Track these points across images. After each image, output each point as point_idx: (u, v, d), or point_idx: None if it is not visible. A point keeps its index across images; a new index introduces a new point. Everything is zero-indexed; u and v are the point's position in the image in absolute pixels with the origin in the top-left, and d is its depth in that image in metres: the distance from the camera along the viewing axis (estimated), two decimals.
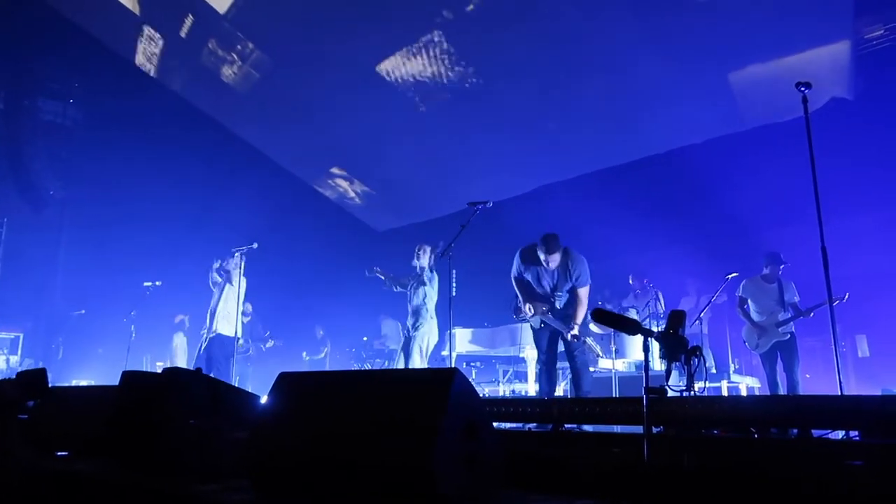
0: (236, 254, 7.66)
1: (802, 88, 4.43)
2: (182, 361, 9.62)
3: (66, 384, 8.79)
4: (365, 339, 9.58)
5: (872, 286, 7.12)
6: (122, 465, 3.01)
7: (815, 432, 3.01)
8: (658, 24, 7.97)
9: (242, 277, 7.69)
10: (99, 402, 3.38)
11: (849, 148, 6.72)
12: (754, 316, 6.69)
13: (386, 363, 9.30)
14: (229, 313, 7.56)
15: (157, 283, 9.58)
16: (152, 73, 11.05)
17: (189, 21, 9.99)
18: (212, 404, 3.03)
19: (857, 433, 2.96)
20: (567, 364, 5.66)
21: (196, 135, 11.13)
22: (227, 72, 10.64)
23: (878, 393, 6.34)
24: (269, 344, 9.42)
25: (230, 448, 2.95)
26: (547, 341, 5.53)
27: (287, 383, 2.49)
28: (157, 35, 10.50)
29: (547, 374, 5.58)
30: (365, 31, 9.09)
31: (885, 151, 7.02)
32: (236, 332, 7.58)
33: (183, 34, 10.27)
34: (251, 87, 10.77)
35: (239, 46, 10.12)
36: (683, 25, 7.90)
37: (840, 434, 3.06)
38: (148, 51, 10.80)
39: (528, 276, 5.56)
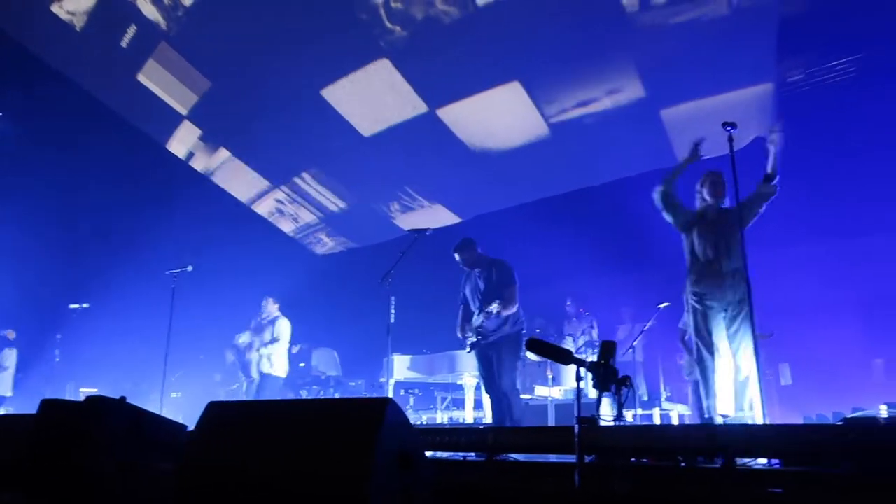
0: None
1: (728, 128, 4.60)
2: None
3: None
4: (301, 364, 9.40)
5: (796, 316, 7.46)
6: (36, 500, 2.86)
7: (739, 460, 3.11)
8: (596, 62, 8.26)
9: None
10: (14, 432, 3.21)
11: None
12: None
13: (321, 392, 9.14)
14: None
15: (85, 305, 9.22)
16: (89, 90, 10.72)
17: (129, 38, 9.77)
18: (136, 435, 2.91)
19: (777, 461, 3.07)
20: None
21: (131, 154, 10.82)
22: (167, 91, 10.43)
23: (800, 420, 6.60)
24: (295, 349, 9.23)
25: (155, 480, 2.84)
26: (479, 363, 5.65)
27: (215, 413, 2.43)
28: (96, 51, 10.22)
29: (490, 402, 5.61)
30: (310, 55, 9.07)
31: (805, 189, 7.40)
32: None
33: (123, 51, 10.01)
34: (191, 107, 10.58)
35: (179, 66, 9.94)
36: (620, 64, 8.20)
37: (763, 462, 3.17)
38: (86, 66, 10.48)
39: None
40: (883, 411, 5.11)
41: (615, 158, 9.04)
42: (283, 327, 8.29)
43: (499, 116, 9.35)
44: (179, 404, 9.90)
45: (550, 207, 9.76)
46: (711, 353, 4.54)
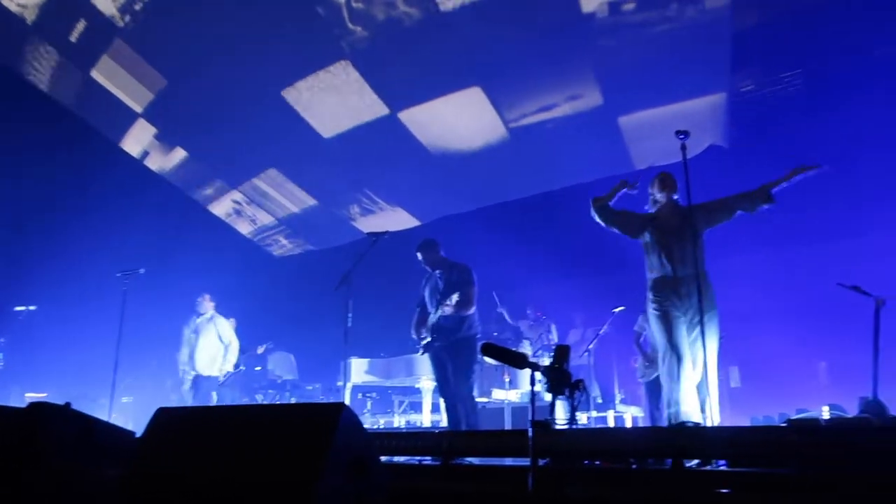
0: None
1: (681, 136, 4.64)
2: None
3: None
4: (258, 368, 9.26)
5: (745, 321, 7.66)
6: None
7: (688, 461, 3.18)
8: (556, 69, 8.37)
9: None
10: None
11: (724, 192, 7.27)
12: (650, 349, 7.11)
13: (277, 396, 9.03)
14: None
15: (31, 307, 8.94)
16: (41, 86, 10.41)
17: (79, 33, 9.52)
18: (82, 441, 2.84)
19: (724, 462, 3.16)
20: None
21: (83, 152, 10.54)
22: (122, 88, 10.20)
23: (748, 421, 6.78)
24: (261, 349, 8.99)
25: (102, 488, 2.77)
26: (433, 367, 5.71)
27: (164, 419, 2.38)
28: (48, 45, 9.92)
29: (445, 405, 5.64)
30: (270, 55, 8.98)
31: None
32: None
33: (75, 47, 9.75)
34: (146, 105, 10.36)
35: (135, 63, 9.72)
36: (579, 72, 8.33)
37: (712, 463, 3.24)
38: (36, 61, 10.17)
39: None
40: (825, 412, 5.29)
41: (574, 164, 9.15)
42: (229, 330, 8.13)
43: (460, 121, 9.39)
44: (130, 409, 9.68)
45: (510, 211, 9.84)
46: (677, 359, 4.37)
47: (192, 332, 8.02)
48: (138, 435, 2.76)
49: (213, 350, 7.97)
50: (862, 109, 7.36)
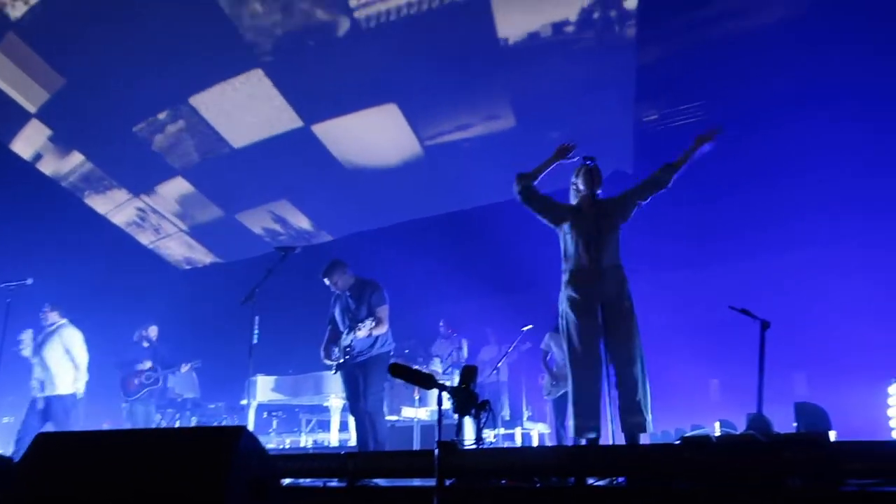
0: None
1: (588, 161, 4.78)
2: None
3: None
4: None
5: (650, 339, 7.98)
6: None
7: (591, 479, 3.26)
8: (472, 91, 8.53)
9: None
10: None
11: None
12: (556, 367, 7.26)
13: (177, 415, 8.62)
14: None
15: None
16: None
17: None
18: None
19: (624, 479, 3.26)
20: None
21: None
22: (13, 86, 9.57)
23: (647, 438, 7.03)
24: (185, 368, 8.21)
25: None
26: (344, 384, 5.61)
27: (46, 445, 2.22)
28: None
29: (355, 424, 5.56)
30: (178, 59, 8.68)
31: (654, 220, 7.99)
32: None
33: None
34: (41, 105, 9.76)
35: (29, 60, 9.14)
36: (494, 95, 8.53)
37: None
38: None
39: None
40: (717, 428, 5.57)
41: (488, 183, 9.31)
42: (78, 342, 7.12)
43: (374, 136, 9.38)
44: (12, 430, 8.98)
45: (424, 228, 9.89)
46: (588, 365, 4.23)
47: (36, 347, 6.99)
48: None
49: (62, 365, 6.95)
50: (758, 141, 7.87)
